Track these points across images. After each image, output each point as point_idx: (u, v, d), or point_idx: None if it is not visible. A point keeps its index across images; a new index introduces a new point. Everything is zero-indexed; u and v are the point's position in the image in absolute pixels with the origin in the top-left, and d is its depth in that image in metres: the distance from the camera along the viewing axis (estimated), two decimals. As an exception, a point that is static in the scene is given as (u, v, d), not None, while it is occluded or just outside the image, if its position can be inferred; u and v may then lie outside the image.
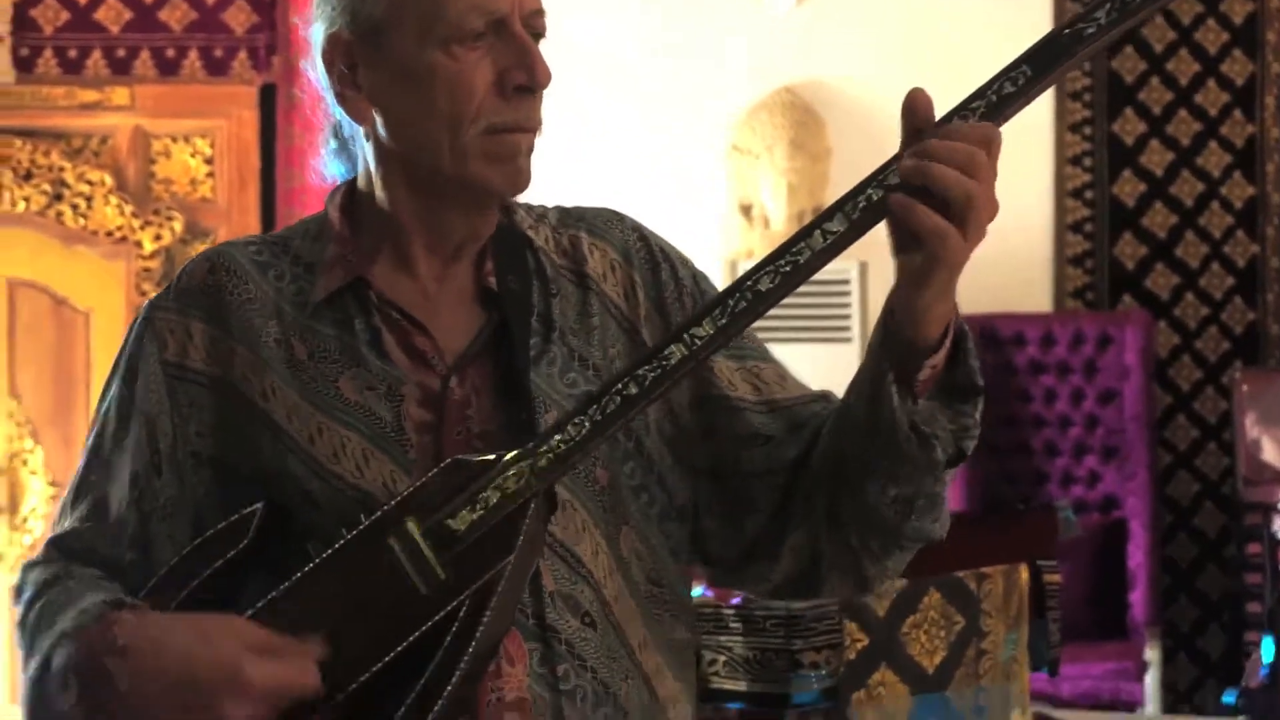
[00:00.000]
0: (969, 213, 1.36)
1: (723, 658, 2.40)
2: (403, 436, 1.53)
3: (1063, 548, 2.72)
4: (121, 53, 5.78)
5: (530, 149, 1.56)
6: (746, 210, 5.76)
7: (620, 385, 1.43)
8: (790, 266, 1.40)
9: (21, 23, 5.71)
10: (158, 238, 5.76)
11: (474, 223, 1.59)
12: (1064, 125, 5.82)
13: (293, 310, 1.58)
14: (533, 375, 1.55)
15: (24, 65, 5.72)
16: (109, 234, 5.75)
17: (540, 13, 1.56)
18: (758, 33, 5.78)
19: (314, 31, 1.58)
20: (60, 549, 1.58)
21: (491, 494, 1.42)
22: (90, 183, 5.74)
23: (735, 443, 1.60)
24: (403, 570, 1.43)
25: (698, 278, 1.68)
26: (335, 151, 1.64)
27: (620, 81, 5.76)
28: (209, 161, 5.81)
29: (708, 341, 1.42)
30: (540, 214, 1.68)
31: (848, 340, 5.56)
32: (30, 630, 1.52)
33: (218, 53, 5.80)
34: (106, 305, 5.73)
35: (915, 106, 1.39)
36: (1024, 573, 2.66)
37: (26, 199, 5.74)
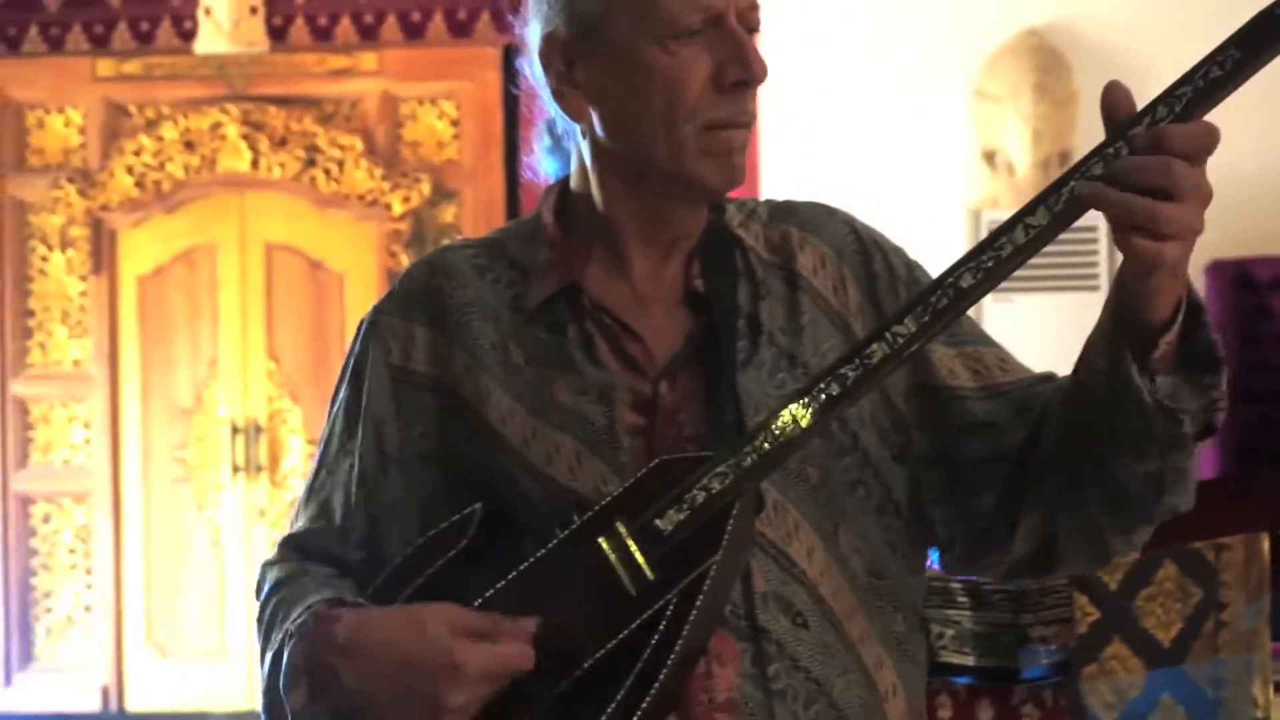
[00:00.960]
0: (1163, 229, 1.32)
1: (951, 631, 2.39)
2: (615, 440, 1.55)
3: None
4: (369, 18, 5.91)
5: (744, 144, 1.56)
6: (990, 157, 5.66)
7: (823, 384, 1.44)
8: (993, 262, 1.39)
9: (274, -9, 5.89)
10: (406, 200, 5.89)
11: (687, 219, 1.60)
12: (1324, 60, 5.61)
13: (509, 314, 1.61)
14: (740, 379, 1.56)
15: (277, 35, 5.89)
16: (360, 197, 5.90)
17: (755, 8, 1.55)
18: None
19: (530, 31, 1.60)
20: (295, 547, 1.65)
21: (698, 494, 1.44)
22: (342, 147, 5.90)
23: (958, 431, 1.59)
24: (613, 570, 1.46)
25: (911, 267, 1.67)
26: (549, 149, 1.67)
27: (861, 26, 5.71)
28: (455, 124, 5.92)
29: (910, 339, 1.41)
30: (751, 210, 1.68)
31: (1095, 289, 5.45)
32: (265, 627, 1.59)
33: (461, 15, 5.89)
34: (359, 267, 5.89)
35: (1114, 102, 1.36)
36: (1265, 542, 2.60)
37: (282, 165, 5.91)
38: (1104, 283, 5.41)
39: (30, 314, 5.97)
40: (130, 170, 5.91)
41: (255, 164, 5.91)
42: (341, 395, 1.66)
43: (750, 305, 1.61)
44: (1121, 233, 1.33)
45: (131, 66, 5.90)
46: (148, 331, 5.95)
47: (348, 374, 1.65)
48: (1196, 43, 1.36)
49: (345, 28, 5.89)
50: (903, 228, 5.81)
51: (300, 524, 1.66)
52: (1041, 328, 5.44)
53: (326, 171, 5.90)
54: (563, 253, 1.62)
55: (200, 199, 5.95)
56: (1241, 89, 1.38)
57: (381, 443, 1.62)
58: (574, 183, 1.64)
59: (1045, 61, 5.58)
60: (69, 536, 6.00)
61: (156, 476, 5.98)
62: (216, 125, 5.91)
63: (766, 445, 1.44)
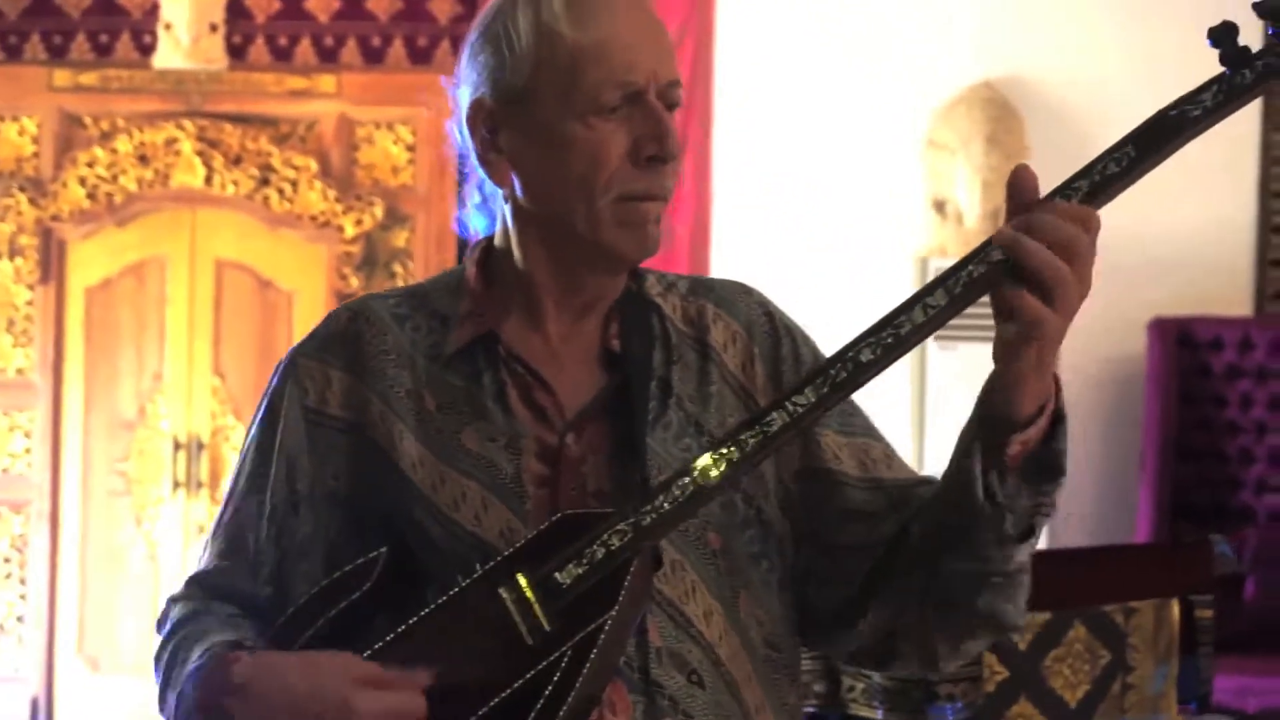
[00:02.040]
0: (1059, 290, 1.38)
1: (861, 685, 2.42)
2: (520, 488, 1.59)
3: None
4: (329, 41, 5.93)
5: (659, 216, 1.61)
6: (940, 206, 5.72)
7: (724, 449, 1.47)
8: (891, 339, 1.44)
9: (235, 11, 5.89)
10: (359, 223, 5.91)
11: (603, 284, 1.65)
12: (1272, 126, 5.68)
13: (426, 362, 1.65)
14: (649, 438, 1.60)
15: (236, 53, 5.90)
16: (313, 218, 5.92)
17: (676, 84, 1.60)
18: (956, 26, 5.73)
19: (460, 94, 1.64)
20: (201, 585, 1.67)
21: (597, 550, 1.47)
22: (296, 168, 5.91)
23: (837, 516, 1.64)
24: (511, 620, 1.48)
25: (818, 356, 1.72)
26: (478, 206, 1.70)
27: (815, 73, 5.75)
28: (410, 149, 5.94)
29: (808, 409, 1.46)
30: (671, 283, 1.73)
31: (1038, 341, 5.49)
32: (166, 665, 1.61)
33: (421, 42, 5.92)
34: (309, 287, 5.90)
35: (1020, 183, 1.42)
36: (1175, 607, 2.64)
37: (235, 182, 5.92)
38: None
39: (-24, 320, 5.96)
40: (83, 181, 5.90)
41: (209, 180, 5.92)
42: (254, 432, 1.68)
43: (663, 369, 1.65)
44: (1015, 294, 1.39)
45: (88, 78, 5.90)
46: (93, 343, 5.95)
47: (263, 412, 1.68)
48: (1148, 99, 1.43)
49: (305, 49, 5.92)
50: (851, 272, 5.88)
51: (207, 559, 1.68)
52: (984, 376, 5.48)
53: (280, 191, 5.91)
54: (483, 304, 1.66)
55: (152, 213, 5.95)
56: (1183, 152, 1.46)
57: (293, 481, 1.65)
58: (498, 240, 1.68)
59: (998, 113, 5.64)
60: (4, 545, 5.98)
61: (96, 488, 5.96)
62: (172, 140, 5.92)
63: (665, 506, 1.48)
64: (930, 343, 5.46)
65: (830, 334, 1.70)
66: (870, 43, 5.75)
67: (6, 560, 5.98)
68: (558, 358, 1.64)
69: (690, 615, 1.57)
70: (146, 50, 5.89)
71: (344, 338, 1.67)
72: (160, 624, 1.66)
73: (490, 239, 1.69)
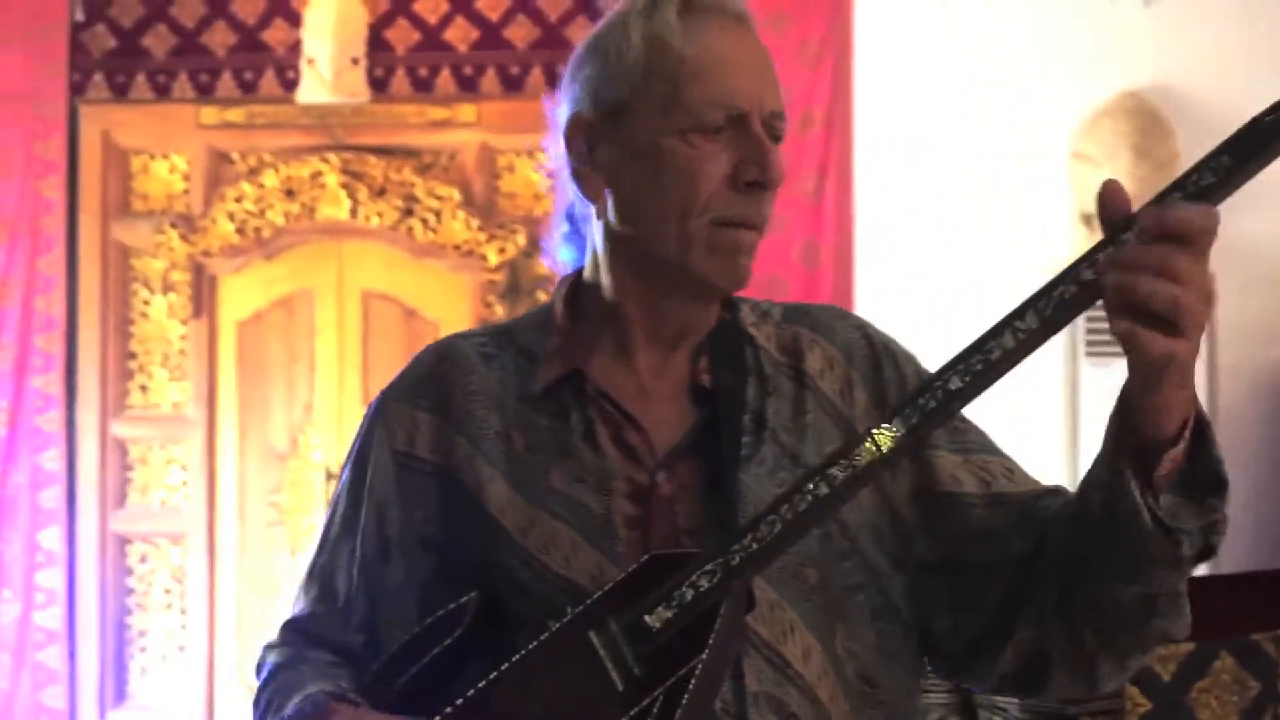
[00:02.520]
0: (1181, 318, 1.29)
1: (997, 718, 2.35)
2: (611, 529, 1.56)
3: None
4: (468, 70, 5.96)
5: (753, 246, 1.57)
6: (1088, 220, 5.59)
7: (811, 485, 1.42)
8: (981, 365, 1.38)
9: (376, 44, 5.94)
10: (502, 251, 5.93)
11: (694, 314, 1.61)
12: None
13: (514, 401, 1.62)
14: (742, 475, 1.56)
15: (378, 85, 5.95)
16: (456, 247, 5.94)
17: (780, 116, 1.57)
18: (1101, 34, 5.61)
19: (559, 113, 1.62)
20: (295, 630, 1.66)
21: (686, 592, 1.44)
22: (439, 198, 5.94)
23: (961, 538, 1.58)
24: (602, 665, 1.45)
25: (922, 375, 1.66)
26: (567, 236, 1.68)
27: (955, 87, 5.66)
28: (551, 175, 5.92)
29: (898, 441, 1.40)
30: (765, 311, 1.69)
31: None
32: (262, 711, 1.61)
33: (559, 69, 5.89)
34: (454, 316, 5.93)
35: (1109, 200, 1.34)
36: (1329, 636, 2.53)
37: (380, 214, 5.96)
38: (1203, 347, 5.29)
39: (131, 356, 6.07)
40: (231, 216, 5.99)
41: (354, 212, 5.97)
42: (346, 477, 1.67)
43: (757, 402, 1.61)
44: (1128, 331, 1.30)
45: (235, 114, 5.98)
46: (245, 376, 6.03)
47: (353, 457, 1.67)
48: None
49: (445, 79, 5.95)
50: (997, 289, 5.78)
51: (301, 606, 1.67)
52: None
53: (424, 221, 5.95)
54: (570, 340, 1.63)
55: (299, 246, 6.02)
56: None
57: (384, 526, 1.64)
58: (587, 272, 1.65)
59: (1145, 123, 5.50)
60: (165, 576, 6.08)
61: (251, 519, 6.04)
62: (316, 174, 5.98)
63: (754, 545, 1.43)
64: (1083, 358, 5.34)
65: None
66: (1012, 55, 5.65)
67: (167, 591, 6.08)
68: (647, 393, 1.61)
69: (788, 656, 1.53)
70: (290, 86, 5.96)
71: (430, 380, 1.66)
72: (258, 670, 1.66)
73: (579, 273, 1.67)
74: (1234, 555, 5.10)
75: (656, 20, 1.55)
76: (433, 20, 5.96)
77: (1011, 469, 1.62)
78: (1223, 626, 2.42)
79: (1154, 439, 1.36)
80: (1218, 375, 5.26)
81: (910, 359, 1.67)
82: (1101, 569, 1.44)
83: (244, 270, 6.03)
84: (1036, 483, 1.62)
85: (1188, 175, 1.34)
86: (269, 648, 1.67)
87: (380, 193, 5.97)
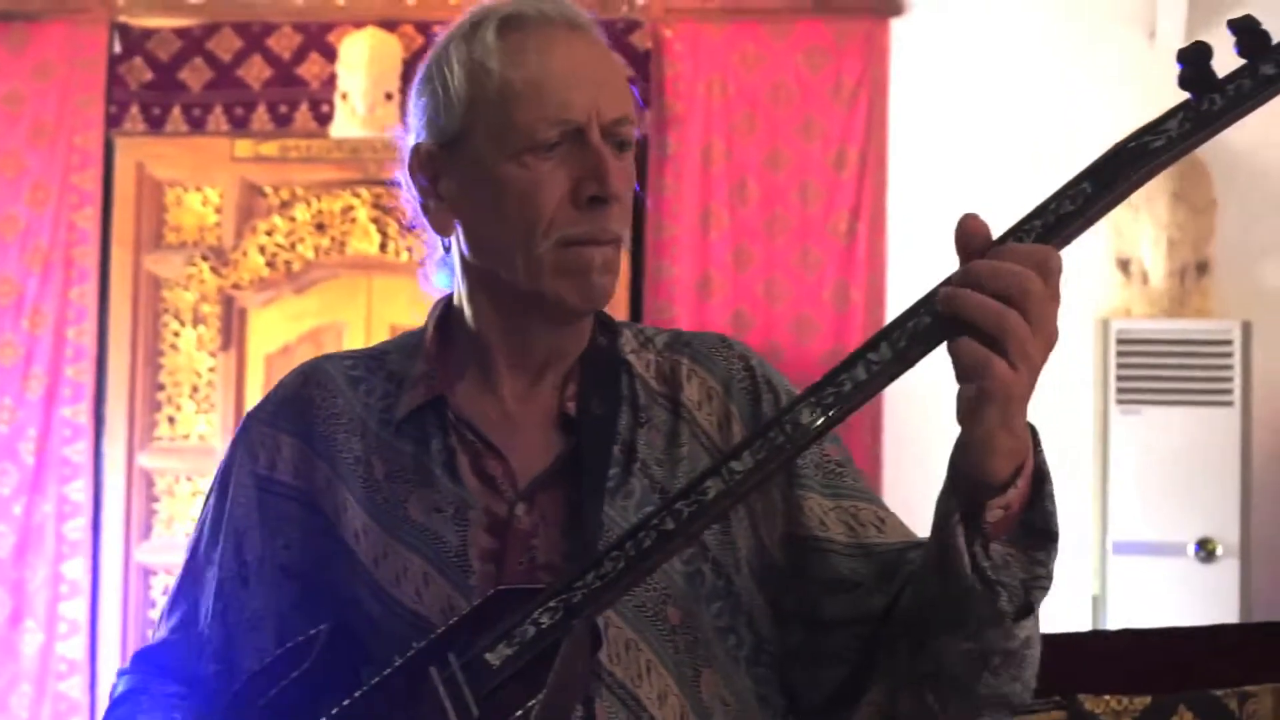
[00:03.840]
0: (1008, 342, 1.24)
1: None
2: (465, 563, 1.50)
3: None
4: (502, 107, 5.92)
5: (609, 262, 1.51)
6: (1124, 265, 5.50)
7: (656, 520, 1.36)
8: (832, 397, 1.32)
9: (410, 78, 5.91)
10: (530, 288, 5.88)
11: (557, 339, 1.56)
12: None
13: (377, 427, 1.57)
14: (606, 508, 1.50)
15: (410, 120, 5.93)
16: (484, 283, 5.90)
17: (625, 121, 1.51)
18: (1140, 76, 5.51)
19: (406, 142, 1.57)
20: (146, 660, 1.62)
21: (527, 628, 1.38)
22: (469, 234, 5.91)
23: (821, 586, 1.52)
24: (441, 705, 1.39)
25: None
26: (440, 261, 1.62)
27: (989, 129, 5.58)
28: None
29: (745, 475, 1.34)
30: (648, 338, 1.64)
31: (1229, 404, 5.24)
32: None
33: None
34: (481, 353, 5.89)
35: (968, 229, 1.29)
36: (1298, 693, 2.42)
37: (410, 249, 5.92)
38: (1238, 398, 5.19)
39: (160, 387, 6.07)
40: (262, 250, 5.99)
41: (384, 247, 5.96)
42: (210, 503, 1.63)
43: (628, 432, 1.55)
44: (952, 346, 1.26)
45: (268, 148, 5.99)
46: (273, 409, 6.01)
47: (217, 480, 1.63)
48: None
49: (478, 115, 5.92)
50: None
51: (160, 633, 1.63)
52: (1169, 441, 5.25)
53: (454, 257, 5.91)
54: (437, 366, 1.58)
55: (329, 280, 6.01)
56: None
57: (242, 552, 1.59)
58: (455, 297, 1.59)
59: (1182, 167, 5.40)
60: (191, 608, 6.07)
61: (278, 553, 6.02)
62: (348, 208, 5.97)
63: (597, 581, 1.37)
64: (1113, 406, 5.23)
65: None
66: (1050, 96, 5.57)
67: (190, 624, 6.06)
68: (512, 422, 1.55)
69: (643, 698, 1.46)
70: (324, 120, 5.96)
71: (295, 402, 1.61)
72: (110, 696, 1.62)
73: (449, 298, 1.61)
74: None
75: (475, 44, 1.50)
76: (467, 56, 5.94)
77: (883, 518, 1.56)
78: (1182, 679, 2.33)
79: (981, 482, 1.30)
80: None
81: (793, 394, 1.60)
82: (934, 622, 1.38)
83: (273, 303, 6.03)
84: (909, 534, 1.56)
85: (1047, 203, 1.29)
86: (120, 674, 1.63)
87: (411, 228, 5.92)
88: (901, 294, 5.58)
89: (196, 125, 6.00)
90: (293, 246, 5.99)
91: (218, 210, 6.05)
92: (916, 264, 5.59)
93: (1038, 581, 1.35)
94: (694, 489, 1.35)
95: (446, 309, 1.62)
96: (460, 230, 1.55)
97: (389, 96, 5.92)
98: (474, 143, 1.50)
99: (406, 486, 1.54)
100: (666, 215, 5.70)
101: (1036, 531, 1.34)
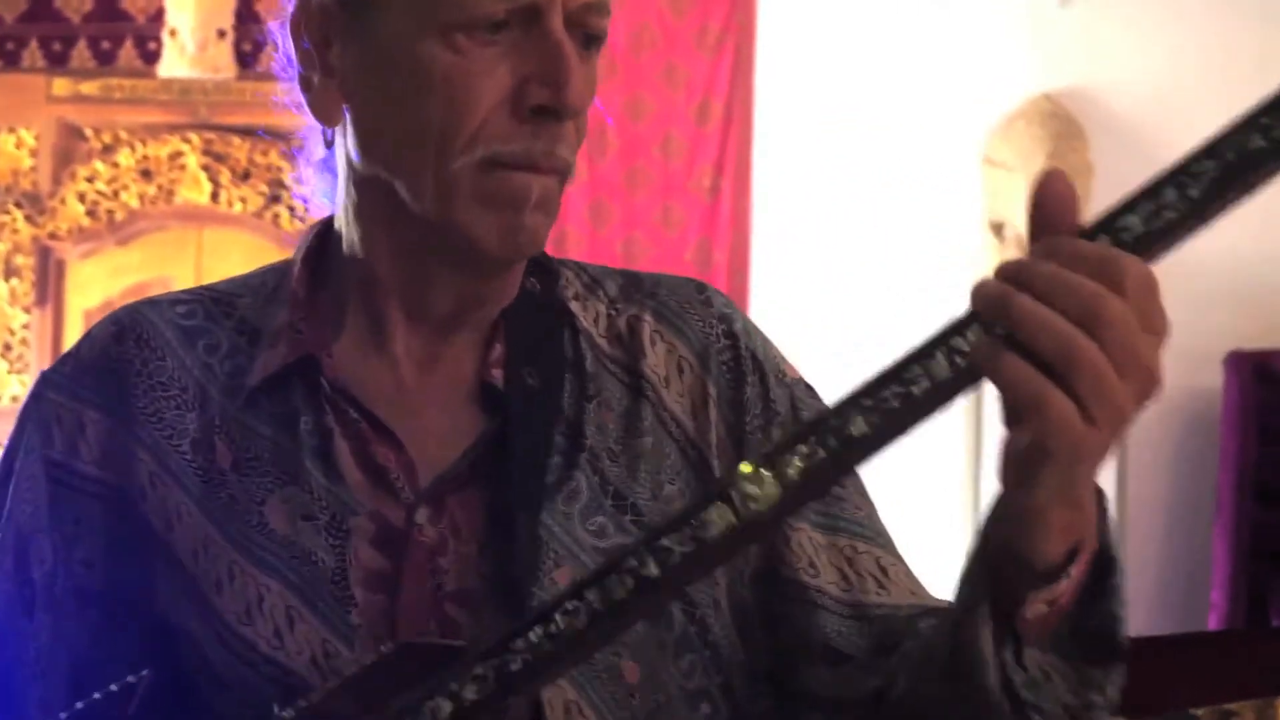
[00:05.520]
0: (1078, 378, 0.87)
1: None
2: (344, 591, 1.12)
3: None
4: (345, 49, 5.57)
5: (546, 197, 1.13)
6: (998, 229, 5.30)
7: (634, 561, 0.94)
8: (900, 400, 0.92)
9: (245, 16, 5.54)
10: (373, 243, 5.56)
11: (470, 288, 1.18)
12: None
13: (223, 398, 1.18)
14: (544, 515, 1.13)
15: (245, 61, 5.56)
16: (324, 237, 5.56)
17: (598, 9, 1.13)
18: (1017, 34, 5.31)
19: None
20: None
21: (442, 704, 0.97)
22: (307, 184, 5.55)
23: (800, 648, 1.17)
24: None
25: (798, 401, 1.22)
26: (321, 164, 1.23)
27: (862, 85, 5.34)
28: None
29: (774, 506, 0.93)
30: (595, 279, 1.26)
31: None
32: None
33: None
34: (320, 311, 5.55)
35: (1047, 197, 0.91)
36: (1282, 707, 2.19)
37: (244, 199, 5.58)
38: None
39: (-31, 345, 5.64)
40: (82, 197, 5.57)
41: (215, 197, 5.58)
42: None
43: (573, 409, 1.17)
44: (1012, 381, 0.88)
45: (89, 87, 5.57)
46: (93, 369, 5.61)
47: None
48: (1223, 114, 0.93)
49: (318, 57, 5.56)
50: (901, 301, 5.48)
51: None
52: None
53: (291, 209, 5.55)
54: (307, 315, 1.19)
55: (155, 231, 5.62)
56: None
57: (25, 567, 1.18)
58: (337, 219, 1.21)
59: (1060, 129, 5.22)
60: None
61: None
62: (176, 154, 5.58)
63: (546, 642, 0.96)
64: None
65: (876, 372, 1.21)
66: (923, 52, 5.34)
67: None
68: (413, 395, 1.18)
69: None
70: (151, 58, 5.55)
71: (105, 363, 1.20)
72: None
73: (331, 220, 1.23)
74: (1146, 590, 4.83)
75: None
76: (307, -7, 5.57)
77: (886, 567, 1.19)
78: (1161, 700, 2.07)
79: (1027, 562, 0.94)
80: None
81: (783, 374, 1.24)
82: None
83: (94, 256, 5.61)
84: (919, 591, 1.20)
85: (1158, 184, 0.91)
86: None
87: (245, 176, 5.58)
88: (766, 256, 5.33)
89: (10, 61, 5.58)
90: (116, 194, 5.58)
91: (33, 154, 5.62)
92: (783, 225, 5.34)
93: (1090, 710, 1.01)
94: (691, 518, 0.94)
95: (323, 236, 1.23)
96: (350, 122, 1.16)
97: (222, 34, 5.53)
98: (391, 5, 1.12)
99: (263, 482, 1.15)
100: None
101: (1092, 639, 1.00)
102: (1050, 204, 0.90)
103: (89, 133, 5.62)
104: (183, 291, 1.27)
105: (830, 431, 0.92)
